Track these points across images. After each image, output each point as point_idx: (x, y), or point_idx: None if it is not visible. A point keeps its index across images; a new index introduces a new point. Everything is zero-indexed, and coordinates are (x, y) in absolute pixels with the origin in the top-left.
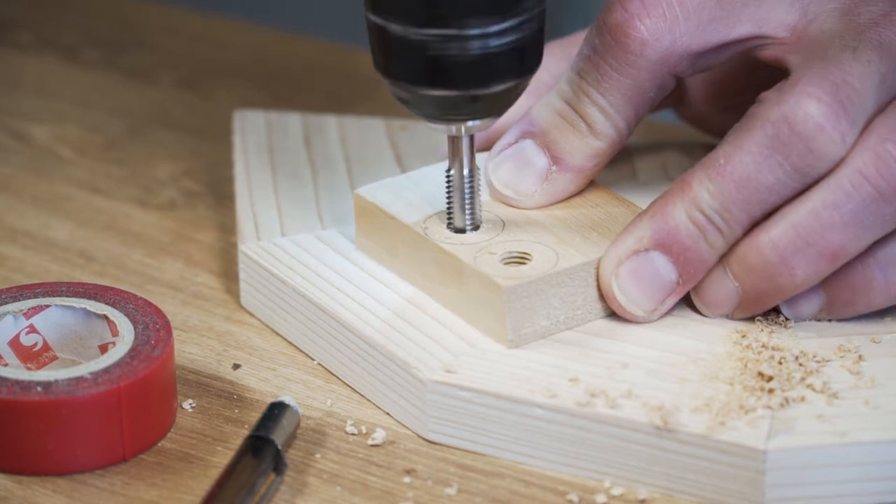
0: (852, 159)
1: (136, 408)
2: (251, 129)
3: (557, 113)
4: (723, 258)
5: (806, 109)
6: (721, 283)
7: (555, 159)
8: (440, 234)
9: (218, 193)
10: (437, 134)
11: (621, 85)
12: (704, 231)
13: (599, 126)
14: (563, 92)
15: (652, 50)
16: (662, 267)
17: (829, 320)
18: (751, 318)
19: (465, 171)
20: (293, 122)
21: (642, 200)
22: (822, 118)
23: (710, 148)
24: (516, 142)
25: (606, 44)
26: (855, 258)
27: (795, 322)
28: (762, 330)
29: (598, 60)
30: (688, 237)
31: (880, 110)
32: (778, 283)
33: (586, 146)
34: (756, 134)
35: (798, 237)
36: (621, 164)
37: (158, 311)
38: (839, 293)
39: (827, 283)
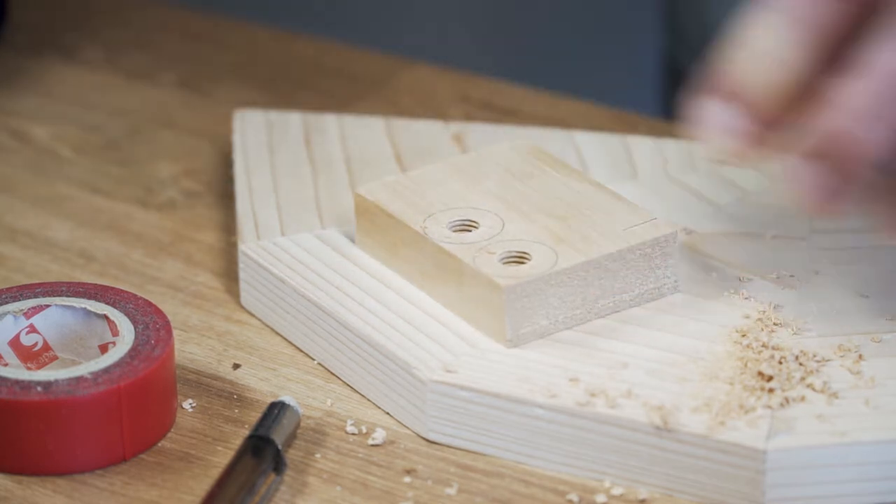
0: None
1: (136, 408)
2: (251, 128)
3: None
4: None
5: None
6: None
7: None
8: (440, 233)
9: (218, 193)
10: (436, 134)
11: None
12: None
13: None
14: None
15: None
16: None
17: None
18: (751, 317)
19: None
20: (293, 121)
21: (642, 200)
22: None
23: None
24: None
25: None
26: None
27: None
28: (762, 329)
29: None
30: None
31: None
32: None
33: None
34: None
35: None
36: (621, 164)
37: (158, 311)
38: None
39: None
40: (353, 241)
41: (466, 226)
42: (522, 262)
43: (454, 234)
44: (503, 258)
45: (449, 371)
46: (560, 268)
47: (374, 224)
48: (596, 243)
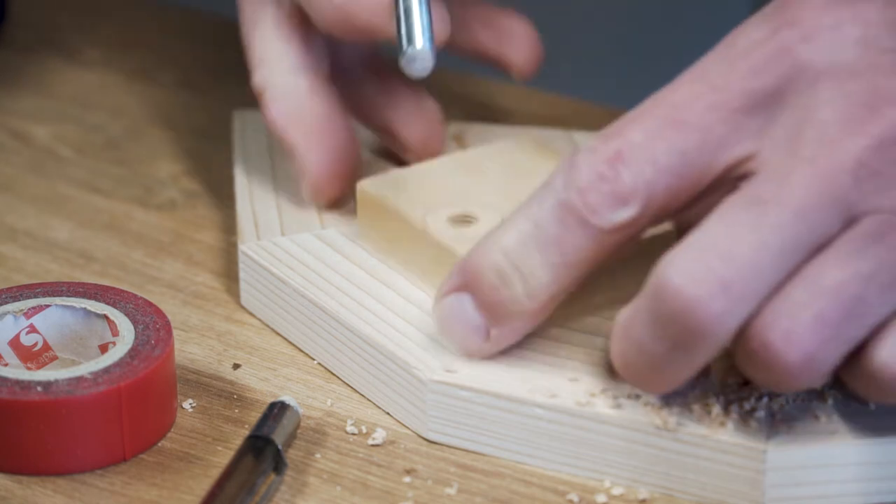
0: None
1: (136, 408)
2: (251, 128)
3: (493, 267)
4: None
5: None
6: None
7: (489, 316)
8: (441, 228)
9: (218, 193)
10: None
11: (581, 257)
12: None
13: (539, 288)
14: (505, 242)
15: None
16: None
17: None
18: None
19: None
20: None
21: None
22: None
23: None
24: (453, 292)
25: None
26: None
27: None
28: None
29: (568, 222)
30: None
31: None
32: None
33: (519, 307)
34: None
35: None
36: None
37: (158, 311)
38: None
39: None
40: (353, 240)
41: (467, 220)
42: None
43: (454, 228)
44: None
45: (449, 371)
46: None
47: (375, 218)
48: None
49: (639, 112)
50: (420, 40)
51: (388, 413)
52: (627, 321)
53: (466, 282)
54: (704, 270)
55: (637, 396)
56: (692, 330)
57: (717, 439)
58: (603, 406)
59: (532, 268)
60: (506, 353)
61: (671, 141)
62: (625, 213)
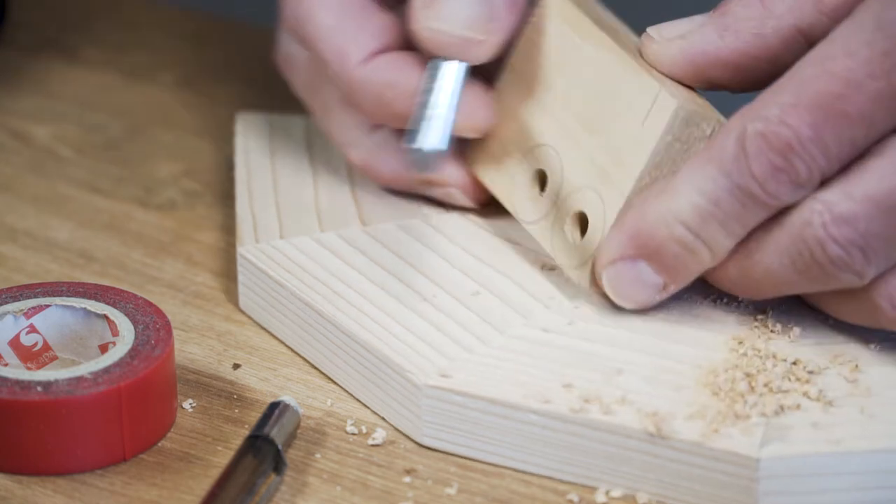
0: None
1: (136, 408)
2: (253, 131)
3: (677, 241)
4: None
5: None
6: None
7: (669, 278)
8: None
9: (218, 193)
10: None
11: (759, 221)
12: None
13: (722, 252)
14: (685, 217)
15: None
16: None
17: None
18: (747, 325)
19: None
20: (295, 124)
21: None
22: None
23: None
24: (627, 259)
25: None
26: None
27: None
28: (759, 337)
29: (747, 203)
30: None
31: None
32: None
33: (702, 267)
34: None
35: None
36: None
37: (158, 311)
38: None
39: None
40: (351, 244)
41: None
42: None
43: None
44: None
45: (444, 376)
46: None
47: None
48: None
49: (799, 94)
50: (429, 138)
51: (383, 418)
52: (763, 249)
53: (644, 251)
54: (847, 238)
55: (630, 403)
56: (826, 271)
57: (710, 447)
58: (596, 412)
59: (715, 237)
60: (500, 358)
61: (840, 133)
62: (802, 192)
